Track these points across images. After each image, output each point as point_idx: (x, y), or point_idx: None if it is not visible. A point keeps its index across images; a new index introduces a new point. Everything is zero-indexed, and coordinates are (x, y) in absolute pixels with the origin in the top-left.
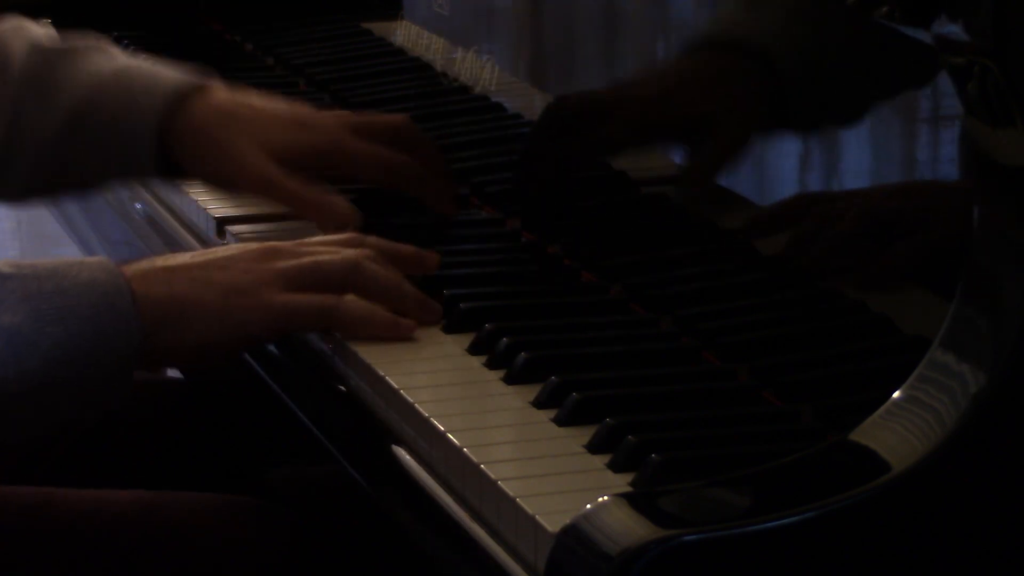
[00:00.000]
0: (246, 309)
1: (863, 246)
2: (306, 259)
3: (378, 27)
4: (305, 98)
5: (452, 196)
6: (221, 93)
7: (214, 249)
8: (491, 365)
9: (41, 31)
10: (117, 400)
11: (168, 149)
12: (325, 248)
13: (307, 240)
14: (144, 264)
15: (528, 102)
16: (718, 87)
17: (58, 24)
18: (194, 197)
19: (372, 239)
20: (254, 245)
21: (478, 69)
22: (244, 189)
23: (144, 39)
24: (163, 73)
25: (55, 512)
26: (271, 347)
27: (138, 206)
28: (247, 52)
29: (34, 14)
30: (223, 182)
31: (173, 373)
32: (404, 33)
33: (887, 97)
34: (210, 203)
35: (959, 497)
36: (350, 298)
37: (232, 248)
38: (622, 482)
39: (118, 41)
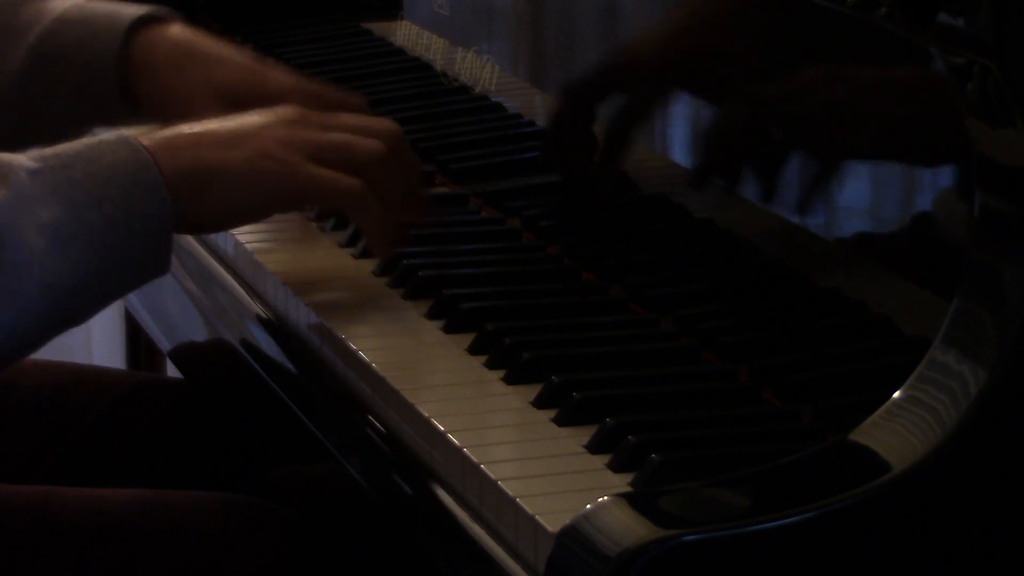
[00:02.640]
0: (273, 175)
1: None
2: (337, 137)
3: (378, 27)
4: None
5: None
6: (179, 28)
7: (243, 114)
8: (491, 365)
9: None
10: (163, 269)
11: (127, 81)
12: (355, 123)
13: (336, 114)
14: (168, 132)
15: (528, 102)
16: (724, 16)
17: None
18: None
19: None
20: (281, 110)
21: (478, 69)
22: None
23: None
24: (123, 6)
25: (56, 510)
26: (271, 346)
27: None
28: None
29: None
30: (168, 117)
31: (173, 373)
32: (404, 33)
33: None
34: None
35: (959, 497)
36: (371, 193)
37: (260, 114)
38: (622, 482)
39: None
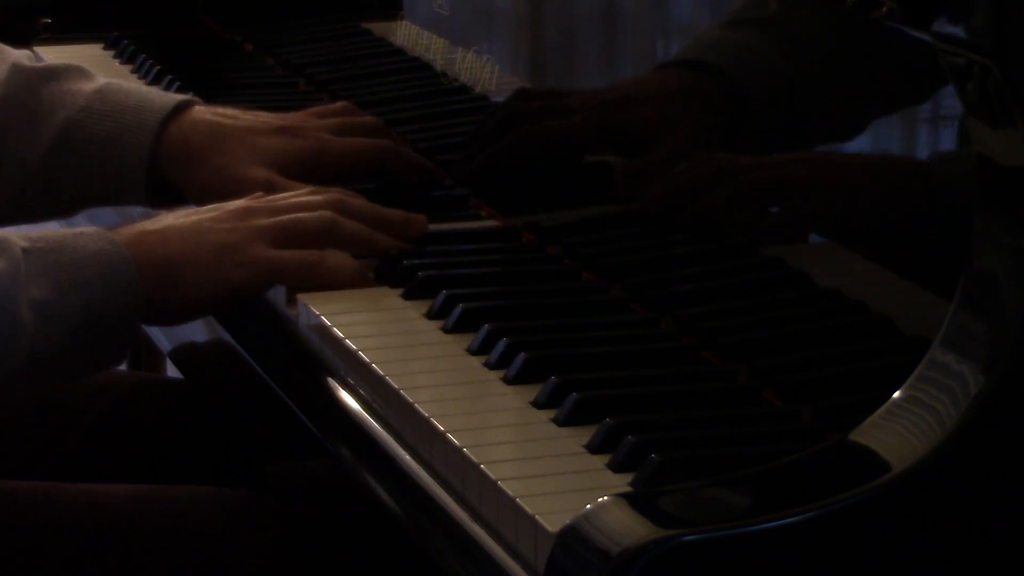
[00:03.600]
0: (236, 265)
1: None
2: (285, 218)
3: (378, 27)
4: (305, 98)
5: (431, 167)
6: (205, 110)
7: (194, 209)
8: (491, 365)
9: (20, 53)
10: (122, 357)
11: (158, 169)
12: (298, 202)
13: (278, 196)
14: (135, 229)
15: (528, 102)
16: (671, 103)
17: (58, 24)
18: None
19: (358, 202)
20: (231, 204)
21: (478, 69)
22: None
23: (144, 39)
24: (150, 92)
25: (56, 506)
26: (271, 347)
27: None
28: (247, 52)
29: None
30: (223, 196)
31: (173, 373)
32: (404, 33)
33: (881, 113)
34: None
35: (959, 497)
36: (330, 253)
37: (211, 209)
38: (622, 482)
39: (118, 41)
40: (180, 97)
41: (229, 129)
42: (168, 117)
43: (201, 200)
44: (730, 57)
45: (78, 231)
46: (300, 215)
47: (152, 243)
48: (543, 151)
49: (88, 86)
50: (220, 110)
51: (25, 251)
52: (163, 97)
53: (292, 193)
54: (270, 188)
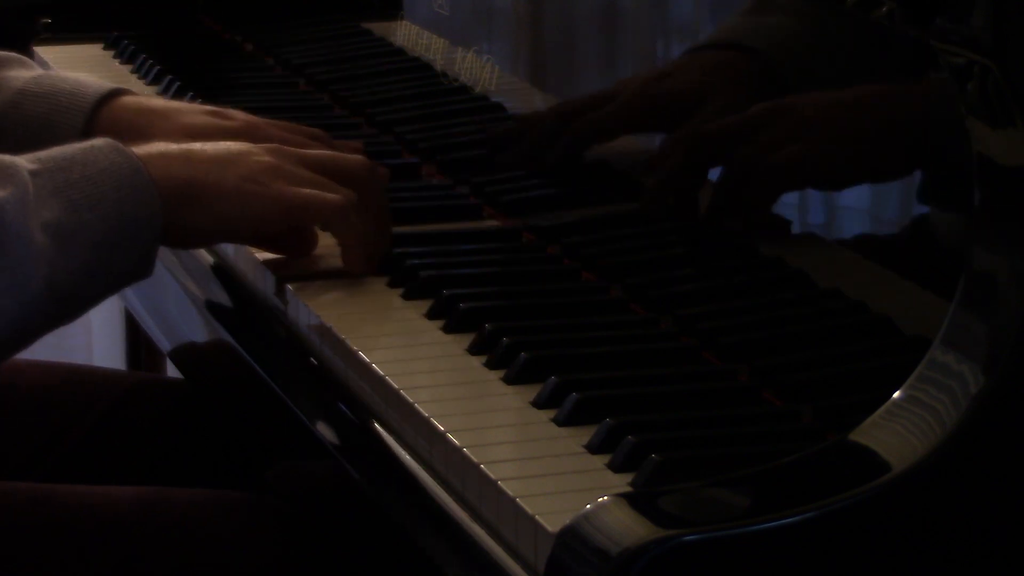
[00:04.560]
0: (260, 196)
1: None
2: (319, 152)
3: (378, 27)
4: (305, 98)
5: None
6: (138, 96)
7: (223, 142)
8: (491, 365)
9: None
10: (147, 272)
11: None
12: (328, 155)
13: (310, 148)
14: (159, 147)
15: (528, 102)
16: (710, 75)
17: (58, 24)
18: None
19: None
20: (262, 142)
21: (478, 69)
22: None
23: (144, 39)
24: (87, 79)
25: (57, 508)
26: (272, 347)
27: None
28: (247, 52)
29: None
30: None
31: (173, 373)
32: (404, 33)
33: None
34: None
35: (959, 497)
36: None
37: (241, 143)
38: (622, 482)
39: (118, 41)
40: (115, 85)
41: (158, 110)
42: (101, 101)
43: None
44: (763, 39)
45: (88, 144)
46: (337, 155)
47: (174, 162)
48: (600, 138)
49: (27, 73)
50: (154, 98)
51: (33, 173)
52: (98, 83)
53: (323, 151)
54: None
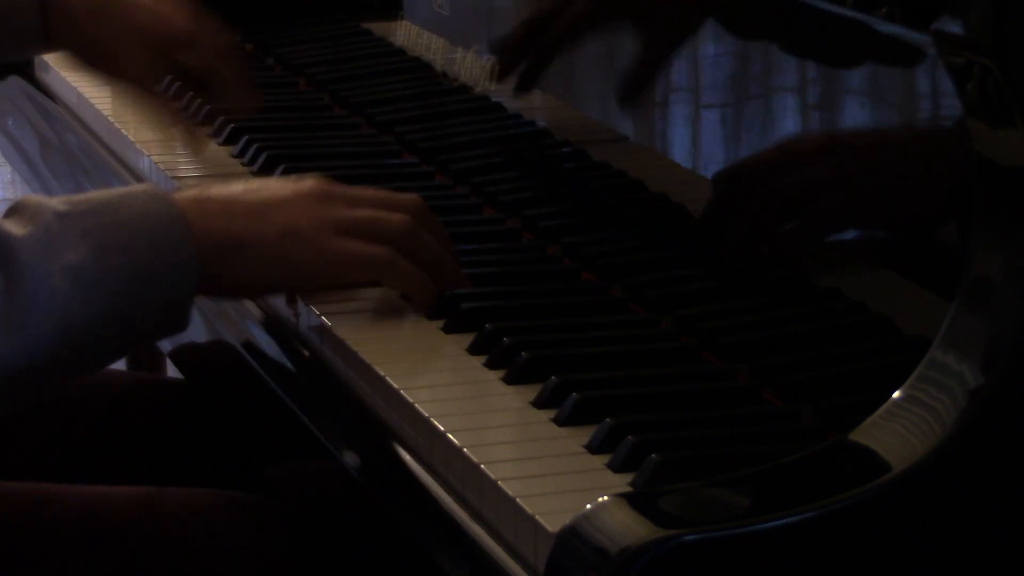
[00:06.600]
0: (302, 252)
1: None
2: (365, 212)
3: (378, 27)
4: (305, 98)
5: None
6: None
7: (267, 183)
8: (491, 365)
9: None
10: (182, 326)
11: (48, 25)
12: (381, 197)
13: (358, 189)
14: (197, 194)
15: (528, 102)
16: None
17: None
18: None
19: (434, 218)
20: (309, 183)
21: (478, 69)
22: (119, 80)
23: None
24: None
25: (56, 507)
26: (272, 347)
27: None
28: (247, 52)
29: None
30: (96, 69)
31: (173, 373)
32: (404, 33)
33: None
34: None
35: (959, 497)
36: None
37: (287, 186)
38: (622, 482)
39: None
40: None
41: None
42: None
43: (76, 64)
44: None
45: (127, 190)
46: (380, 213)
47: (214, 212)
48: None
49: None
50: None
51: (60, 215)
52: None
53: (375, 189)
54: (141, 82)
